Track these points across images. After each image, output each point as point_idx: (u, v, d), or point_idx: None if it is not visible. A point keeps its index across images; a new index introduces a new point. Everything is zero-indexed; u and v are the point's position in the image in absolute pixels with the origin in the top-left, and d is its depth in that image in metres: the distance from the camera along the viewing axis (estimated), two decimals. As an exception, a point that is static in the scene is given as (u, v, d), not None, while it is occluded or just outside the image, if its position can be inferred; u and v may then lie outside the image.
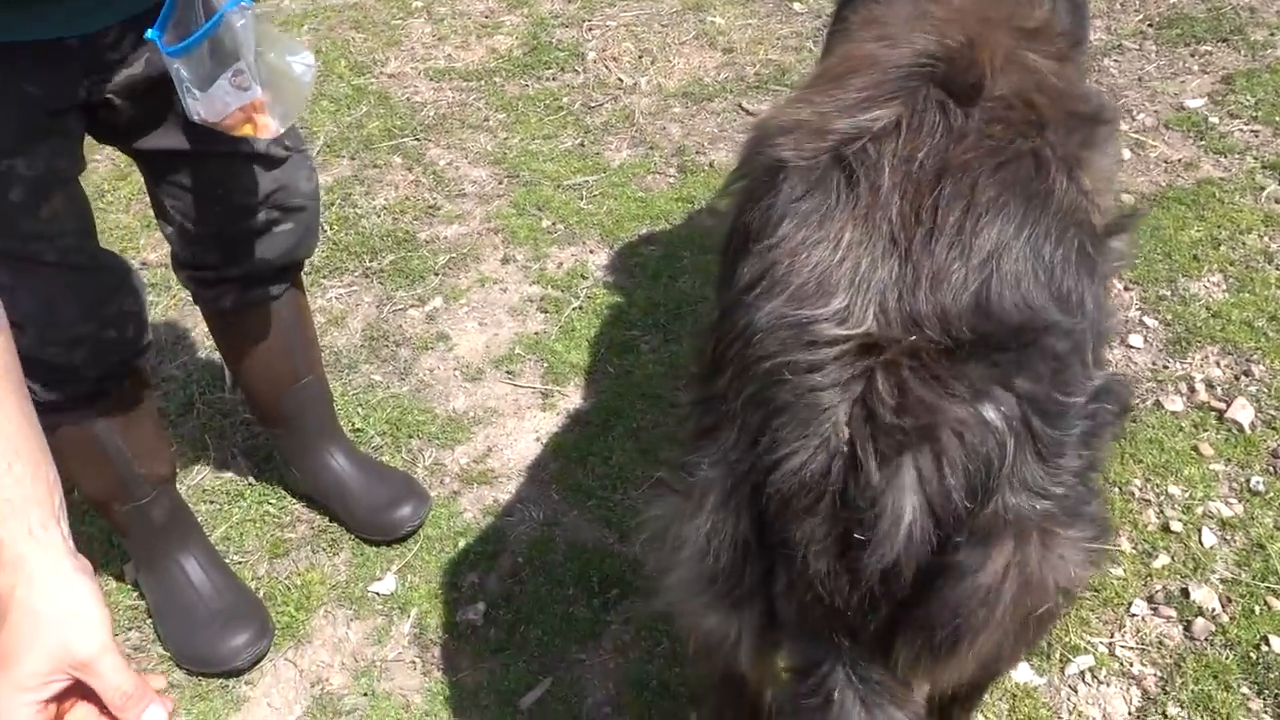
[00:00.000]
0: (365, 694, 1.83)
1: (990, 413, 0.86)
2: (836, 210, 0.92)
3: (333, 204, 3.12)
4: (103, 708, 0.82)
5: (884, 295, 0.88)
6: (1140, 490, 2.03)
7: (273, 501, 2.21)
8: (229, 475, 2.29)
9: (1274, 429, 2.12)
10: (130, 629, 1.97)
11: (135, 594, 2.03)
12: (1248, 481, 2.02)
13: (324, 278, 2.85)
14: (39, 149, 1.39)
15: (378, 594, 2.00)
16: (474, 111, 3.59)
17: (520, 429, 2.33)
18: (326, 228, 3.04)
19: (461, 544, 2.07)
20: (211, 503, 2.23)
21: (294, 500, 2.20)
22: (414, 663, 1.88)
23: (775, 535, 0.92)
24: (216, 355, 2.49)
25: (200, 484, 2.27)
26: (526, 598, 1.95)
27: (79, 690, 0.82)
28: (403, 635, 1.92)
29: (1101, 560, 1.01)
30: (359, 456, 2.11)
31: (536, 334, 2.58)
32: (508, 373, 2.48)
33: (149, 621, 1.97)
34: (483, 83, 3.78)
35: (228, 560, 2.08)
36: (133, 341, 1.61)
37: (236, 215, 1.68)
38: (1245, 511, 1.97)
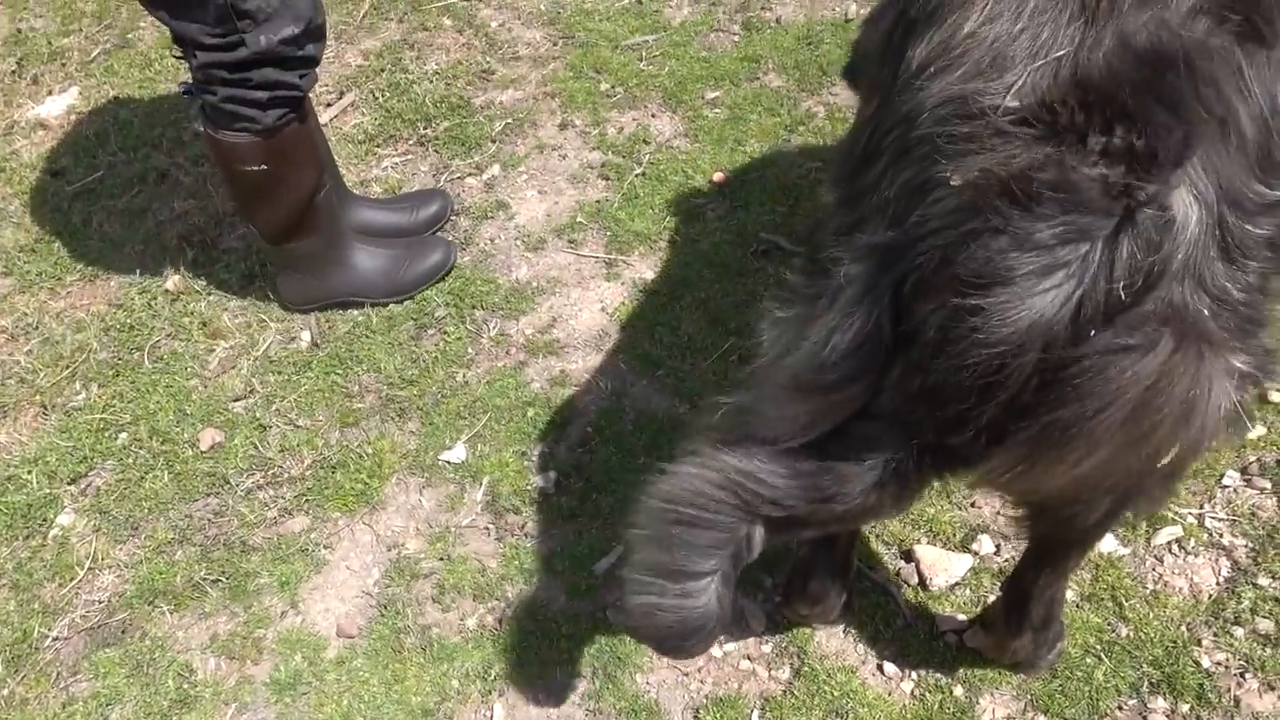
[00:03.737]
0: (441, 559, 1.86)
1: (1181, 196, 0.80)
2: None
3: (383, 69, 3.01)
4: None
5: (1059, 65, 0.83)
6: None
7: (339, 372, 2.21)
8: (294, 346, 2.29)
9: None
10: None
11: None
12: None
13: (378, 146, 2.77)
14: None
15: (448, 463, 2.00)
16: (526, -33, 3.41)
17: (585, 299, 2.28)
18: (378, 94, 2.95)
19: (530, 413, 2.06)
20: (279, 373, 2.23)
21: (361, 369, 2.20)
22: (487, 529, 1.89)
23: (911, 320, 0.90)
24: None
25: (267, 353, 2.28)
26: (597, 467, 1.95)
27: None
28: (475, 503, 1.93)
29: (1256, 403, 0.95)
30: (373, 200, 2.47)
31: (598, 202, 2.50)
32: (570, 241, 2.42)
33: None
34: (534, -63, 3.58)
35: (301, 426, 2.10)
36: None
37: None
38: (1350, 382, 1.87)
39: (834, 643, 1.67)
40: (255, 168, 1.97)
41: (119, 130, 2.95)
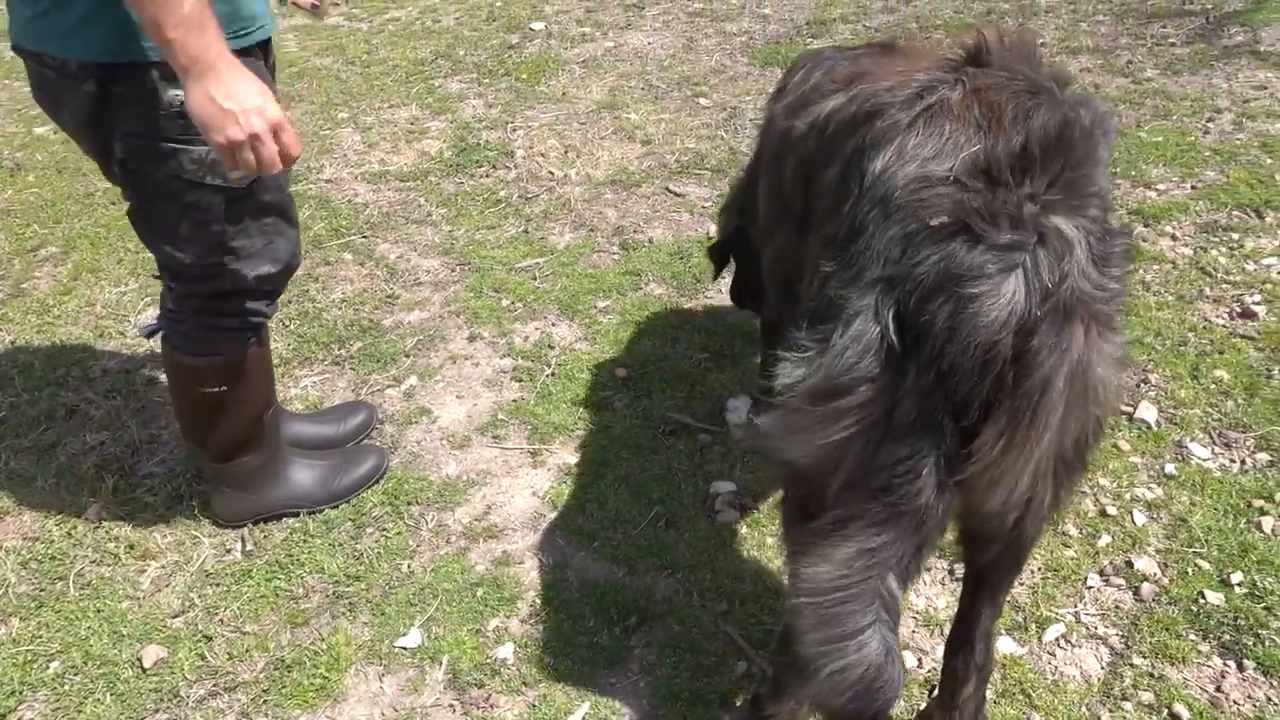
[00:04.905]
0: (410, 740, 1.90)
1: (1068, 226, 1.22)
2: (937, 117, 1.33)
3: (290, 300, 3.24)
4: None
5: (977, 153, 1.27)
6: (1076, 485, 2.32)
7: (281, 577, 2.27)
8: (231, 558, 2.34)
9: (1175, 424, 2.46)
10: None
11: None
12: (1162, 469, 2.34)
13: (295, 368, 2.95)
14: None
15: (405, 648, 2.08)
16: (416, 208, 3.79)
17: (515, 486, 2.47)
18: (289, 322, 3.15)
19: (479, 593, 2.18)
20: (218, 585, 2.27)
21: (304, 571, 2.27)
22: (453, 705, 1.96)
23: (918, 323, 1.24)
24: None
25: (203, 568, 2.31)
26: (551, 634, 2.07)
27: None
28: (437, 683, 2.01)
29: (1129, 369, 1.34)
30: (302, 416, 2.65)
31: (515, 401, 2.74)
32: (494, 437, 2.63)
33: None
34: (419, 182, 3.99)
35: (248, 632, 2.13)
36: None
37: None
38: (1165, 493, 2.28)
39: (794, 765, 1.81)
40: (215, 389, 2.12)
41: (20, 373, 3.00)
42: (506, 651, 2.04)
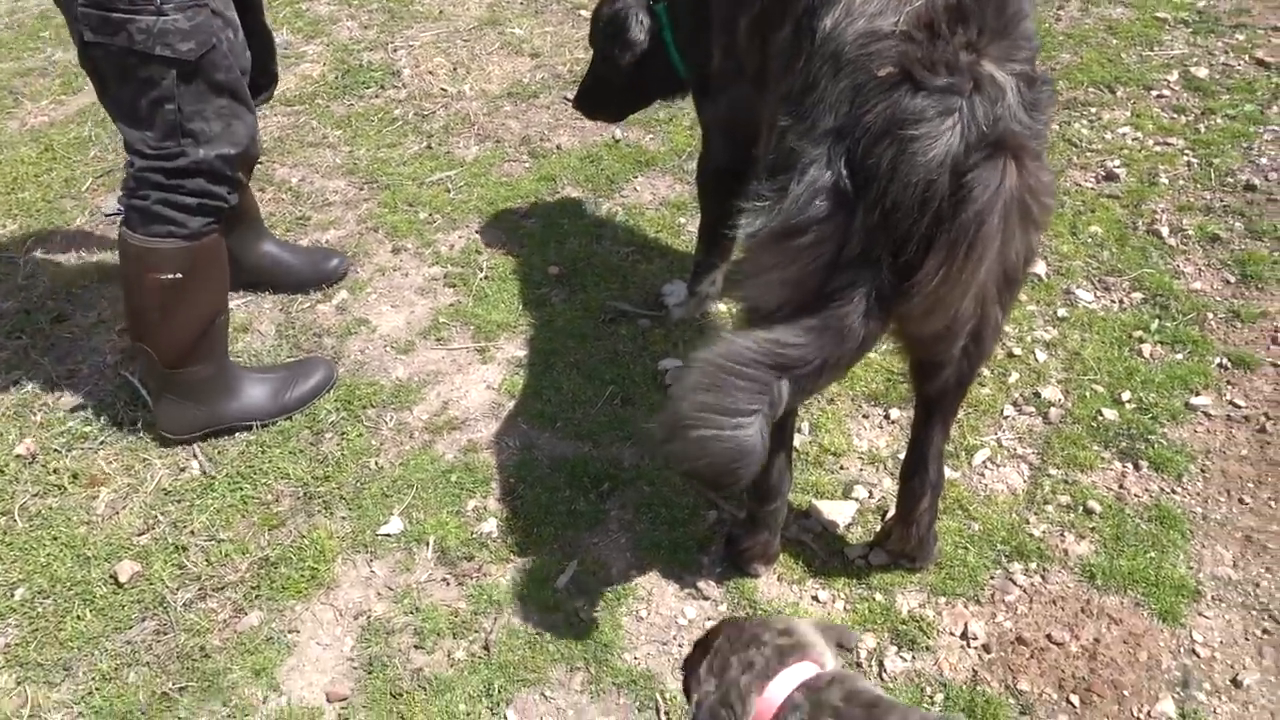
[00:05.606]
0: (410, 613, 1.98)
1: (1000, 73, 1.37)
2: None
3: (195, 228, 3.14)
4: None
5: (919, 7, 1.38)
6: (983, 333, 2.58)
7: (246, 486, 2.28)
8: (187, 476, 2.32)
9: (1062, 274, 2.75)
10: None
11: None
12: (1055, 313, 2.62)
13: (215, 292, 2.88)
14: None
15: (389, 535, 2.14)
16: (309, 131, 3.70)
17: (468, 381, 2.54)
18: (198, 249, 3.06)
19: (454, 478, 2.25)
20: (180, 501, 2.25)
21: (269, 479, 2.28)
22: (446, 580, 2.05)
23: (866, 165, 1.36)
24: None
25: (160, 487, 2.29)
26: (530, 506, 2.18)
27: None
28: (428, 560, 2.08)
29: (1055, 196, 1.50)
30: (282, 241, 2.82)
31: (452, 305, 2.78)
32: (438, 339, 2.67)
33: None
34: (306, 106, 3.89)
35: (223, 539, 2.15)
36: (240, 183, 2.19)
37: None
38: (1060, 333, 2.56)
39: (773, 589, 2.00)
40: (169, 275, 2.10)
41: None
42: (490, 526, 2.14)
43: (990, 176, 1.34)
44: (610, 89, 2.62)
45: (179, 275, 2.11)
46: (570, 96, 3.81)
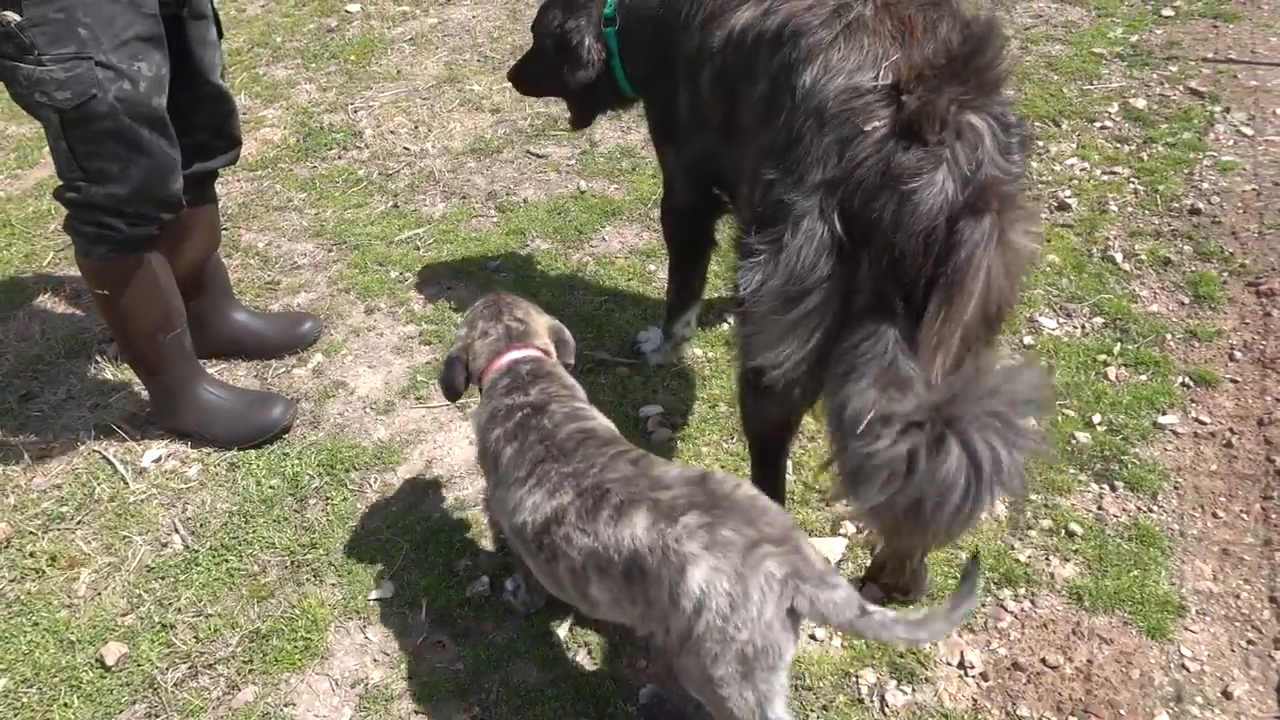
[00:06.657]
0: (408, 677, 1.96)
1: (979, 121, 1.44)
2: (856, 31, 1.51)
3: (163, 298, 3.12)
4: None
5: (898, 62, 1.45)
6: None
7: (231, 558, 2.25)
8: (169, 551, 2.29)
9: (1024, 304, 2.83)
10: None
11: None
12: (1021, 341, 2.70)
13: (187, 362, 2.86)
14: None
15: (381, 599, 2.12)
16: (273, 196, 3.70)
17: (451, 439, 2.54)
18: (168, 319, 3.04)
19: (443, 538, 2.24)
20: (164, 578, 2.22)
21: (254, 550, 2.25)
22: (442, 642, 2.03)
23: (863, 220, 1.42)
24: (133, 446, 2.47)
25: (142, 564, 2.25)
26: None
27: None
28: (422, 624, 2.07)
29: (1040, 240, 1.58)
30: (251, 310, 2.86)
31: (429, 363, 2.79)
32: (417, 399, 2.67)
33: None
34: (269, 170, 3.89)
35: (212, 614, 2.11)
36: (178, 201, 2.29)
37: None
38: (1027, 360, 2.64)
39: (771, 631, 2.01)
40: (100, 290, 2.31)
41: None
42: (484, 584, 2.13)
43: (973, 219, 1.41)
44: (543, 76, 2.61)
45: (106, 292, 2.30)
46: (533, 149, 3.88)
